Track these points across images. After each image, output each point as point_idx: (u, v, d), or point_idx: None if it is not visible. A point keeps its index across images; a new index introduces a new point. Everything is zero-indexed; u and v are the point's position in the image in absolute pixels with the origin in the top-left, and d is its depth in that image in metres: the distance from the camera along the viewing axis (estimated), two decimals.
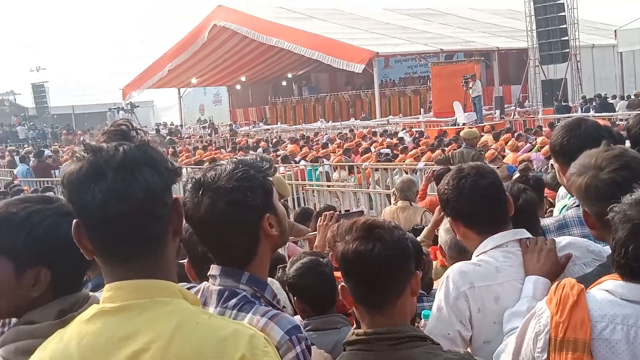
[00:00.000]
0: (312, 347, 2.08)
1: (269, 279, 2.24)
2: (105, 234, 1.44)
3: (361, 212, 5.71)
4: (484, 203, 2.48)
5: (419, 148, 15.87)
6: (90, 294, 1.86)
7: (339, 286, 2.09)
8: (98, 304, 1.50)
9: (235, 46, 38.79)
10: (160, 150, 1.51)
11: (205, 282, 2.03)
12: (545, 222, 3.03)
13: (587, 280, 2.13)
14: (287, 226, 2.06)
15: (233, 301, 1.91)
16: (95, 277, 2.41)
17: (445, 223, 3.81)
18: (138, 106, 40.36)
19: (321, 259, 3.10)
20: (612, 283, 1.99)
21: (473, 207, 2.49)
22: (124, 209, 1.41)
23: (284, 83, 45.85)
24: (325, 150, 18.16)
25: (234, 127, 35.40)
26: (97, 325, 1.43)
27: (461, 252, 3.55)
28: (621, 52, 29.57)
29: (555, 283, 2.10)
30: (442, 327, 2.38)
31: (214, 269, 1.99)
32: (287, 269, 3.23)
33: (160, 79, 41.29)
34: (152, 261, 1.48)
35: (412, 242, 2.13)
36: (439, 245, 3.64)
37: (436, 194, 2.76)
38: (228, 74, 43.76)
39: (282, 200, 7.88)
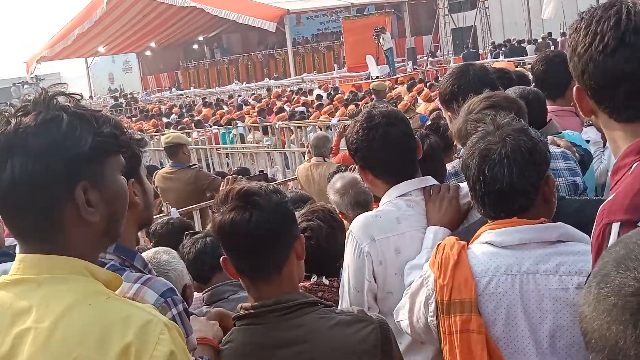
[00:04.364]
0: (199, 317, 2.04)
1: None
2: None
3: (265, 175, 5.60)
4: (394, 153, 2.40)
5: (334, 104, 15.78)
6: None
7: (221, 258, 1.95)
8: None
9: (143, 10, 37.54)
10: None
11: None
12: (447, 167, 2.97)
13: (473, 229, 2.09)
14: (152, 202, 1.95)
15: None
16: None
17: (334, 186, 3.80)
18: (44, 79, 38.79)
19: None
20: (489, 234, 1.95)
21: (383, 158, 2.41)
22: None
23: (196, 46, 44.83)
24: (239, 112, 17.88)
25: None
26: None
27: (363, 207, 3.48)
28: None
29: (436, 245, 2.05)
30: (354, 282, 2.35)
31: None
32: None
33: (65, 48, 39.73)
34: (52, 235, 1.32)
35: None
36: (338, 211, 3.54)
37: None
38: (137, 40, 42.38)
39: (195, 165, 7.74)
